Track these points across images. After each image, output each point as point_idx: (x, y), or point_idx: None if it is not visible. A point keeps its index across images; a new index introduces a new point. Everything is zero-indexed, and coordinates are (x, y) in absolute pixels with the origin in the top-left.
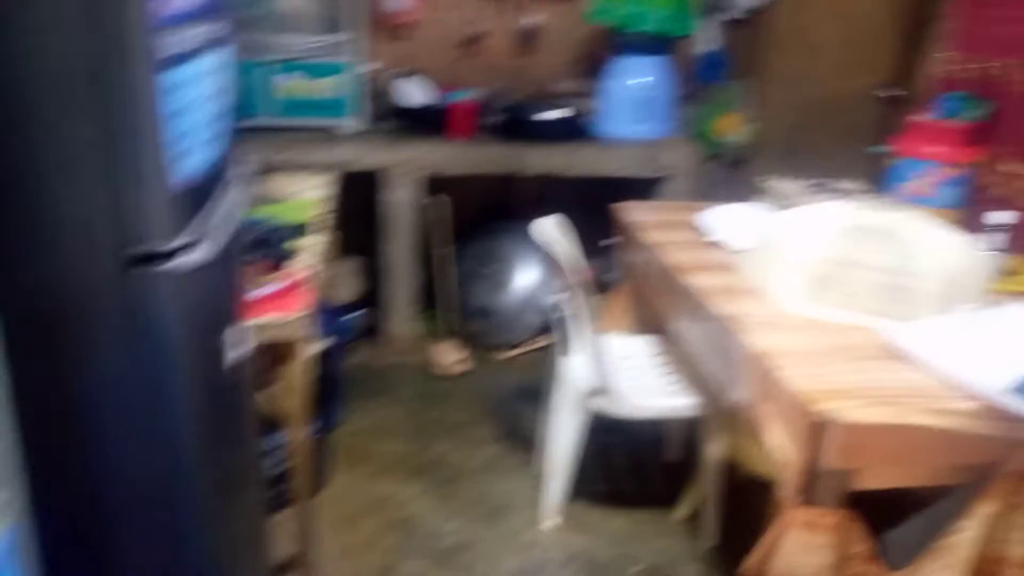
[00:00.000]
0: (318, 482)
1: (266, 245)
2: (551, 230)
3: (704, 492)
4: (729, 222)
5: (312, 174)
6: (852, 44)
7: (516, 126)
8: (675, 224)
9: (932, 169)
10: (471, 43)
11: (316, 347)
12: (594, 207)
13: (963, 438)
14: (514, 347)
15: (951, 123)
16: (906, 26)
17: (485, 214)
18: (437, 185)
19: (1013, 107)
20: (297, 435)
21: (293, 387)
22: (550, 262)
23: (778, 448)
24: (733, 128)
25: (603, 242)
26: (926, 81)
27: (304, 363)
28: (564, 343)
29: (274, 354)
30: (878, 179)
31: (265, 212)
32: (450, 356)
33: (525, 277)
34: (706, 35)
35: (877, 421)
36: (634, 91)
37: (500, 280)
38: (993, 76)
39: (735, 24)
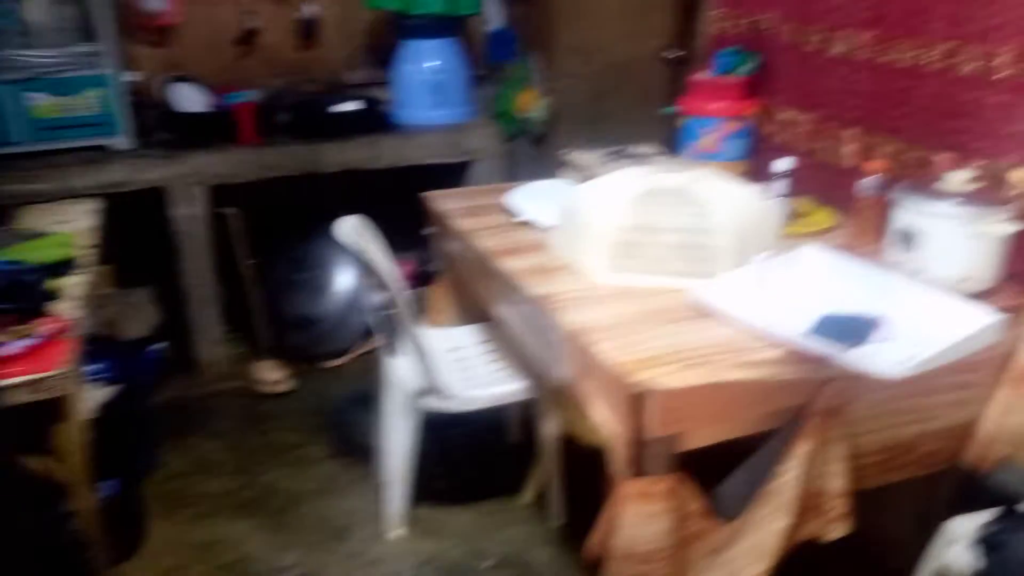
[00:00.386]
0: (131, 542)
1: (13, 293)
2: (353, 230)
3: (547, 472)
4: (535, 200)
5: (75, 202)
6: (632, 10)
7: (308, 123)
8: (484, 208)
9: (716, 125)
10: (246, 40)
11: (97, 398)
12: (407, 198)
13: (773, 386)
14: (341, 355)
15: (727, 79)
16: None
17: (293, 219)
18: (235, 194)
19: (782, 57)
20: (84, 500)
21: (68, 449)
22: (360, 263)
23: (603, 423)
24: (532, 104)
25: (424, 231)
26: (703, 40)
27: (78, 421)
28: (388, 344)
29: (46, 415)
30: (672, 140)
31: (12, 254)
32: (272, 374)
33: (343, 280)
34: (491, 13)
35: (692, 384)
36: (426, 76)
37: (316, 287)
38: (762, 29)
39: (518, 1)
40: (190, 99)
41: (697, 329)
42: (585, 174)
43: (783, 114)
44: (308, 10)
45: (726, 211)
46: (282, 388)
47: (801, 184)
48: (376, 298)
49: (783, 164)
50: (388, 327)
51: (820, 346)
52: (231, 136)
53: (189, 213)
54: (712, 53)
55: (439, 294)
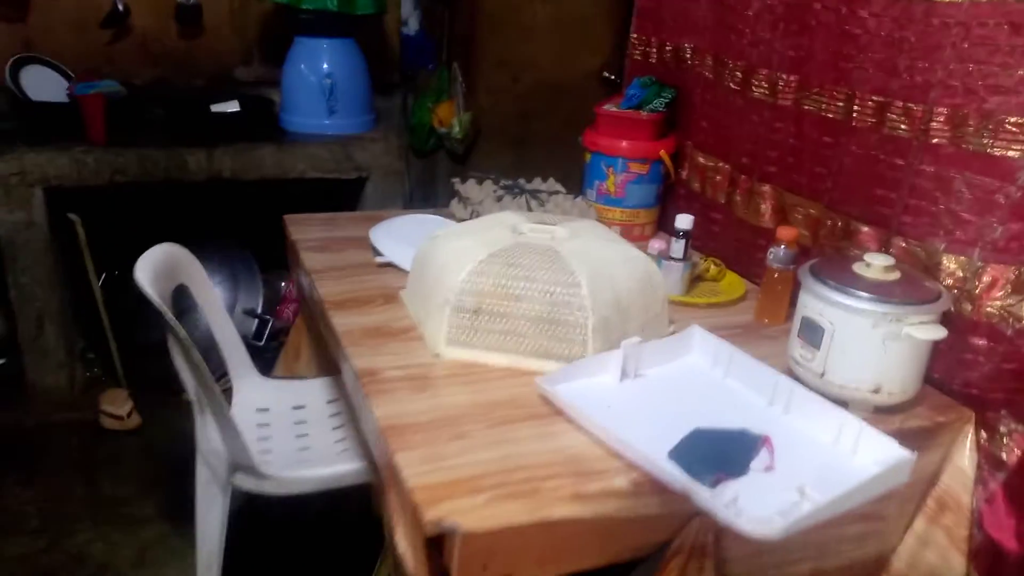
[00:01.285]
0: None
1: None
2: (161, 266)
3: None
4: (404, 239)
5: None
6: (568, 24)
7: (180, 122)
8: (346, 242)
9: (622, 165)
10: (114, 21)
11: None
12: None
13: (621, 522)
14: None
15: (638, 113)
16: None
17: (156, 230)
18: (87, 200)
19: (701, 94)
20: None
21: None
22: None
23: (405, 557)
24: (450, 119)
25: None
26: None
27: None
28: (198, 399)
29: None
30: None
31: None
32: (119, 407)
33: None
34: (408, 15)
35: (509, 523)
36: (318, 79)
37: (177, 308)
38: (682, 59)
39: (438, 3)
40: (39, 85)
41: (539, 435)
42: (471, 209)
43: (699, 159)
44: None
45: (602, 278)
46: (129, 424)
47: (714, 241)
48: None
49: (684, 221)
50: (197, 375)
51: (680, 477)
52: (82, 132)
53: (17, 219)
54: (628, 81)
55: (295, 334)
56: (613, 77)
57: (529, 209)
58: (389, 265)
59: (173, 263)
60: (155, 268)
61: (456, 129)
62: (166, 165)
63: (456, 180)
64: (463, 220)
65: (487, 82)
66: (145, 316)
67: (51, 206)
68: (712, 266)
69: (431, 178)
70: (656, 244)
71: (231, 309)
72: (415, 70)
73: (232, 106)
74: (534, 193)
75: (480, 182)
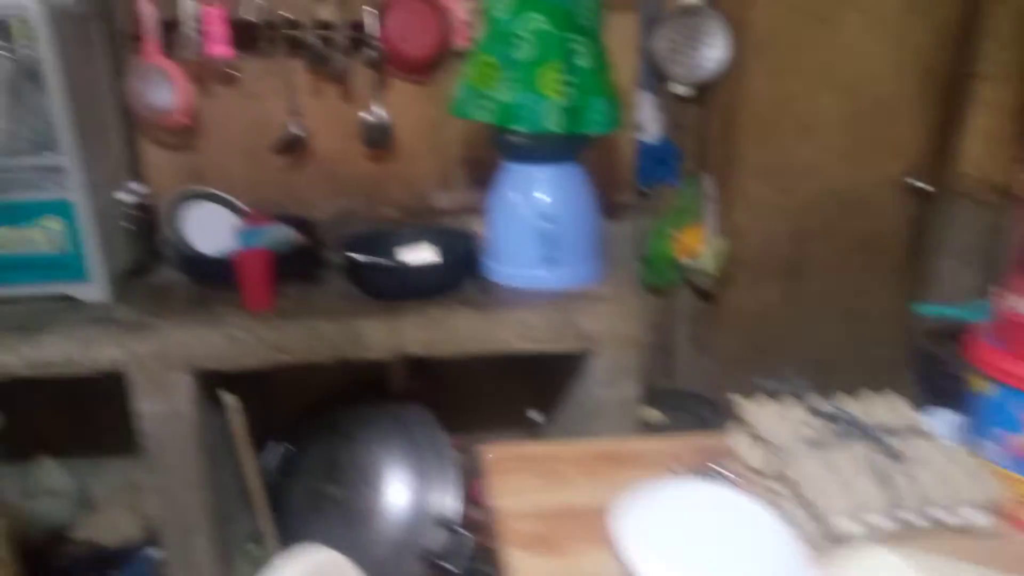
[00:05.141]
0: None
1: None
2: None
3: None
4: (657, 538)
5: None
6: (861, 119)
7: (358, 277)
8: (572, 520)
9: None
10: (291, 147)
11: None
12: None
13: None
14: None
15: None
16: (940, 92)
17: (330, 396)
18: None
19: None
20: None
21: None
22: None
23: None
24: (698, 247)
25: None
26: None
27: None
28: None
29: None
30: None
31: None
32: None
33: (398, 498)
34: (646, 119)
35: None
36: (533, 220)
37: (357, 507)
38: None
39: (686, 101)
40: (206, 224)
41: None
42: (770, 456)
43: None
44: (378, 112)
45: None
46: None
47: None
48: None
49: None
50: None
51: None
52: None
53: (158, 410)
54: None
55: None
56: (922, 185)
57: (876, 464)
58: None
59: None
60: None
61: (707, 260)
62: (338, 341)
63: (737, 398)
64: (755, 473)
65: (748, 197)
66: (310, 521)
67: (199, 386)
68: None
69: (668, 323)
70: None
71: (415, 512)
72: (653, 186)
73: (423, 251)
74: (877, 436)
75: (778, 400)
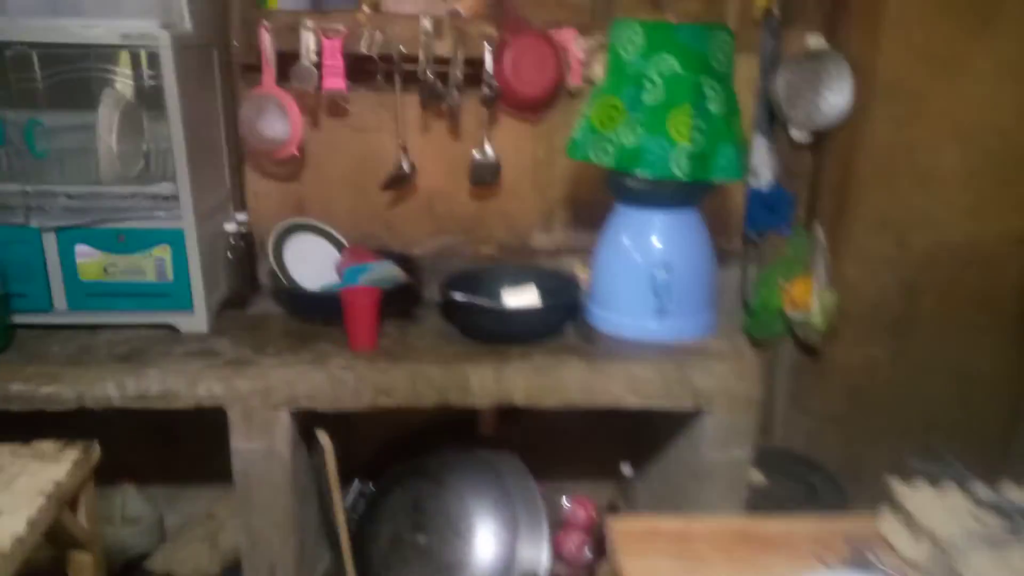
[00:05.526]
0: None
1: None
2: None
3: None
4: None
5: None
6: (986, 171)
7: (460, 319)
8: None
9: None
10: (398, 182)
11: None
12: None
13: None
14: None
15: None
16: None
17: (413, 434)
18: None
19: None
20: None
21: None
22: None
23: None
24: (807, 300)
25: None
26: None
27: None
28: None
29: None
30: None
31: None
32: None
33: (486, 550)
34: (759, 164)
35: None
36: (648, 268)
37: (443, 557)
38: None
39: (801, 147)
40: (306, 257)
41: None
42: (931, 550)
43: None
44: (490, 150)
45: None
46: None
47: None
48: None
49: None
50: None
51: None
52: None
53: (255, 447)
54: None
55: None
56: None
57: None
58: None
59: None
60: None
61: (815, 313)
62: (443, 385)
63: (892, 481)
64: (916, 569)
65: (861, 249)
66: (406, 563)
67: (296, 424)
68: None
69: (768, 377)
70: None
71: (503, 566)
72: (762, 234)
73: (526, 294)
74: None
75: (937, 485)
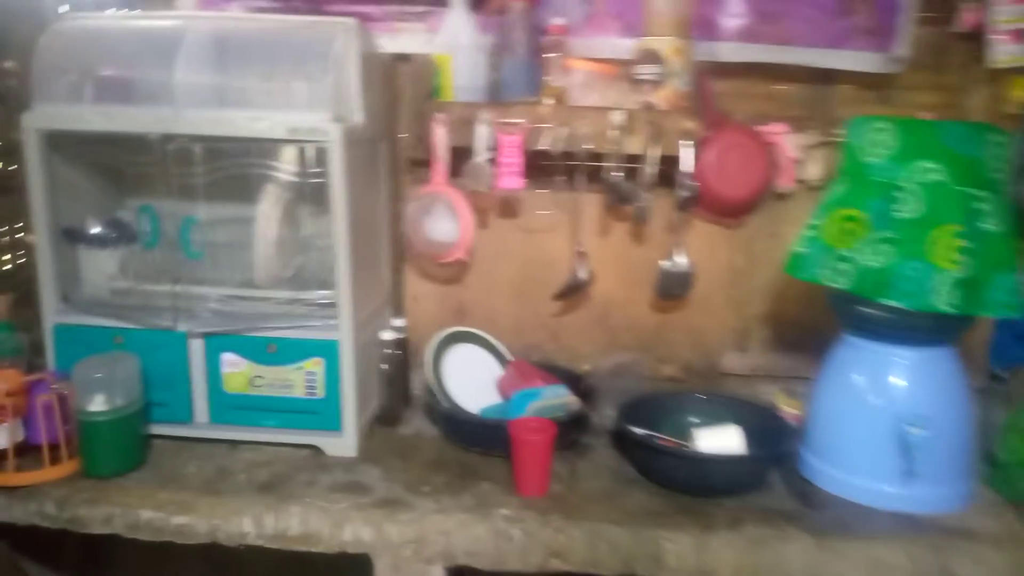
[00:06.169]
0: None
1: None
2: None
3: None
4: None
5: None
6: None
7: (640, 456)
8: None
9: None
10: (572, 290)
11: None
12: None
13: None
14: None
15: None
16: None
17: None
18: None
19: None
20: None
21: None
22: None
23: None
24: None
25: None
26: None
27: None
28: None
29: None
30: None
31: None
32: None
33: None
34: None
35: None
36: (891, 418)
37: None
38: None
39: None
40: (466, 372)
41: None
42: None
43: None
44: (683, 259)
45: None
46: None
47: None
48: None
49: None
50: None
51: None
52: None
53: None
54: None
55: None
56: None
57: None
58: None
59: None
60: None
61: None
62: (630, 553)
63: None
64: None
65: None
66: None
67: None
68: None
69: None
70: None
71: None
72: (1011, 369)
73: (728, 435)
74: None
75: None
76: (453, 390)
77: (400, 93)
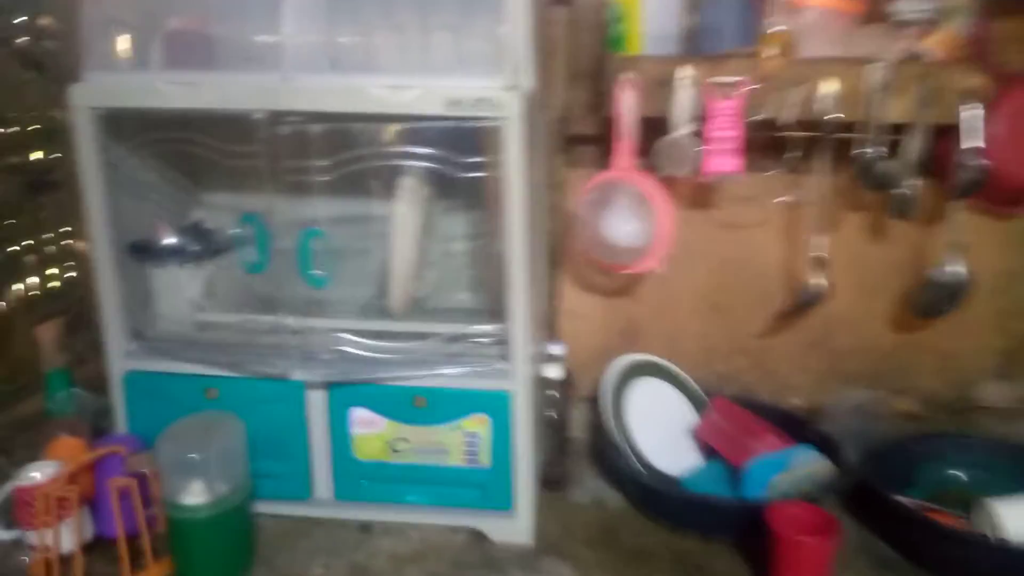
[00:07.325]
0: None
1: None
2: None
3: None
4: None
5: None
6: None
7: (914, 537)
8: None
9: None
10: (804, 307)
11: None
12: None
13: None
14: None
15: None
16: None
17: None
18: None
19: None
20: None
21: None
22: None
23: None
24: None
25: None
26: None
27: None
28: None
29: None
30: None
31: None
32: None
33: None
34: None
35: None
36: None
37: None
38: None
39: None
40: (643, 412)
41: None
42: None
43: None
44: (956, 267)
45: None
46: None
47: None
48: None
49: None
50: None
51: None
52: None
53: None
54: None
55: None
56: None
57: None
58: None
59: None
60: None
61: None
62: None
63: None
64: None
65: None
66: None
67: None
68: None
69: None
70: None
71: None
72: None
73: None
74: None
75: None
76: (641, 443)
77: (554, 48)
